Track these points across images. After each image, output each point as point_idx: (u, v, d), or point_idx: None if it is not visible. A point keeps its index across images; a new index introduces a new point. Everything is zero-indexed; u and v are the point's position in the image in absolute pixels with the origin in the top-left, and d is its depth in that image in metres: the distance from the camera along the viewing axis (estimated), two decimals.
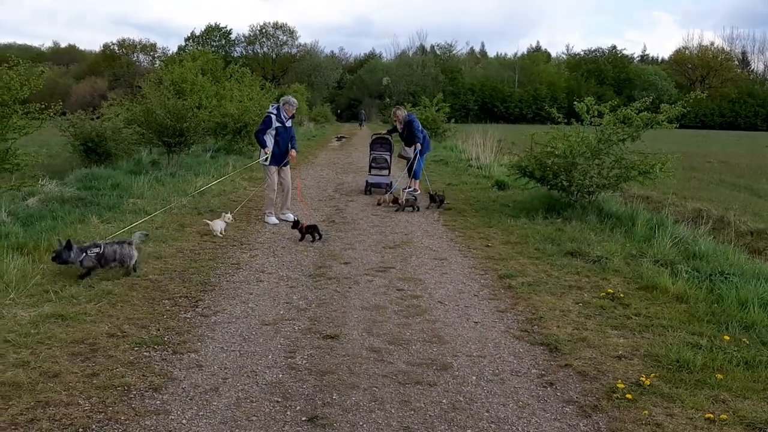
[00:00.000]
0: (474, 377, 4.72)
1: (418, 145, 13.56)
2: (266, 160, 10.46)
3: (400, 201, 11.88)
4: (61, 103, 10.21)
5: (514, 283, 7.07)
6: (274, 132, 10.36)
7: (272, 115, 10.36)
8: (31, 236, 8.08)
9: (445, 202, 12.06)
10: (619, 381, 4.61)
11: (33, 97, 9.30)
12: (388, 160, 14.32)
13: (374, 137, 14.86)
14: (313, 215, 11.13)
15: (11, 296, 6.03)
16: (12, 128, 8.78)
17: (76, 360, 4.81)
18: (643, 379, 4.61)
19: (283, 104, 10.46)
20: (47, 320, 5.53)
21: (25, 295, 6.12)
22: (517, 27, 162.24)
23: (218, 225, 9.27)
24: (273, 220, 10.50)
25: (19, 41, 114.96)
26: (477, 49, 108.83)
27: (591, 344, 5.36)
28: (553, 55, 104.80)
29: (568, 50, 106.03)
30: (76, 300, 6.08)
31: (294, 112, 10.61)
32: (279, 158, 10.57)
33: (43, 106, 9.27)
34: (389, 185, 13.56)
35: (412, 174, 13.90)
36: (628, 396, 4.38)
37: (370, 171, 14.49)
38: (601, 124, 10.81)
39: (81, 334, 5.27)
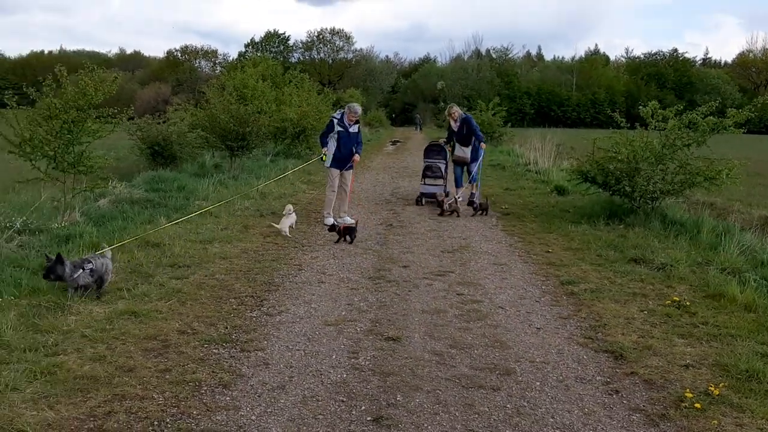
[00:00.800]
0: (538, 383, 4.70)
1: (483, 145, 12.78)
2: (322, 159, 10.85)
3: (444, 206, 11.59)
4: (132, 108, 10.60)
5: (576, 290, 6.99)
6: (336, 136, 10.60)
7: (335, 120, 10.70)
8: (104, 236, 8.40)
9: (488, 210, 11.80)
10: (687, 390, 4.53)
11: (102, 102, 9.67)
12: (443, 169, 13.41)
13: (429, 144, 14.21)
14: (370, 218, 11.24)
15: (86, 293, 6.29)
16: (87, 132, 9.16)
17: (149, 355, 4.99)
18: (712, 388, 4.52)
19: (347, 110, 10.73)
20: (121, 317, 5.76)
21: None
22: (575, 30, 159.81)
23: (285, 224, 9.59)
24: (329, 221, 10.63)
25: (88, 48, 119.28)
26: (533, 52, 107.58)
27: (657, 352, 5.27)
28: (612, 58, 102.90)
29: (627, 53, 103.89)
30: (147, 298, 6.31)
31: (356, 118, 10.76)
32: (340, 162, 10.76)
33: (116, 110, 9.64)
34: (447, 193, 12.73)
35: (471, 177, 13.06)
36: (697, 405, 4.29)
37: (423, 180, 13.59)
38: (665, 128, 10.58)
39: (153, 331, 5.47)
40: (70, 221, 9.12)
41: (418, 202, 13.21)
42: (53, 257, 5.99)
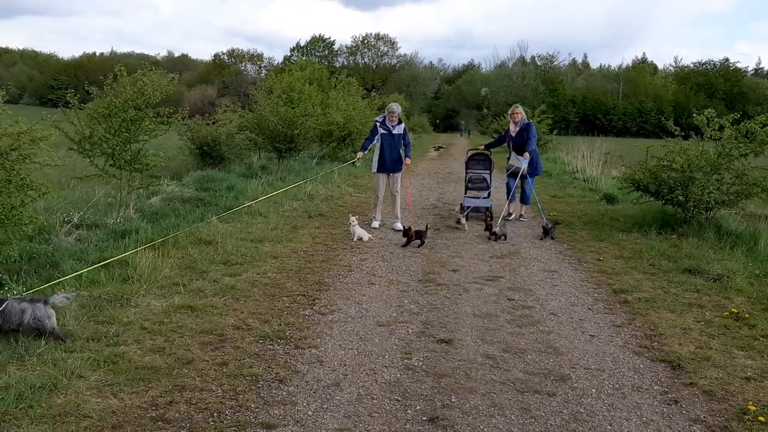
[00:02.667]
0: (594, 390, 4.64)
1: (527, 155, 11.15)
2: (354, 164, 10.90)
3: (494, 230, 10.02)
4: (187, 108, 10.81)
5: (630, 299, 6.88)
6: (380, 140, 10.54)
7: (377, 123, 10.62)
8: (158, 232, 8.58)
9: (554, 232, 10.23)
10: (750, 403, 4.42)
11: (153, 104, 9.86)
12: (488, 180, 12.12)
13: (471, 153, 12.73)
14: (417, 223, 11.24)
15: (144, 287, 6.44)
16: (143, 131, 9.37)
17: (206, 349, 5.09)
18: None
19: (387, 112, 10.58)
20: (178, 311, 5.88)
21: (156, 287, 6.53)
22: (622, 38, 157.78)
23: (361, 233, 9.67)
24: (374, 224, 10.67)
25: (137, 50, 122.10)
26: (579, 60, 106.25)
27: (716, 364, 5.15)
28: (660, 67, 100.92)
29: (676, 62, 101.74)
30: (203, 293, 6.42)
31: (397, 118, 10.52)
32: (384, 165, 10.63)
33: (172, 110, 9.85)
34: (489, 210, 11.46)
35: (521, 197, 11.88)
36: (761, 419, 4.19)
37: (465, 192, 12.37)
38: (720, 138, 10.34)
39: (209, 325, 5.57)
40: (125, 217, 9.34)
41: (464, 216, 11.36)
42: None
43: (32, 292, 5.61)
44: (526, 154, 11.17)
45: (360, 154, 10.78)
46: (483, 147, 12.58)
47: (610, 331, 5.94)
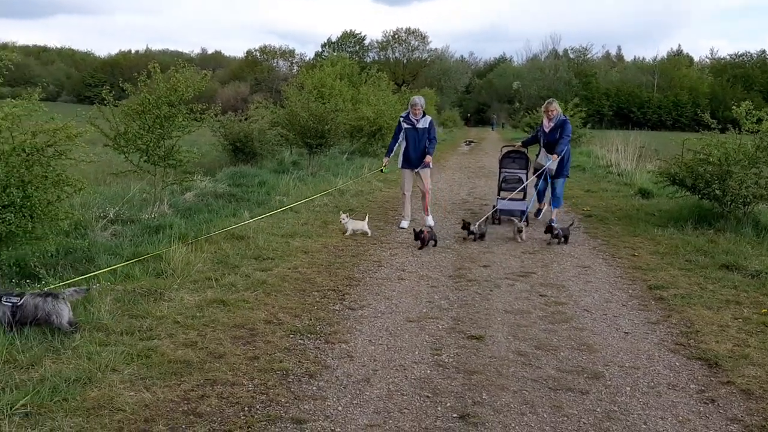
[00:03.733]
0: (628, 388, 4.57)
1: (556, 157, 10.35)
2: (382, 170, 10.62)
3: (554, 232, 9.32)
4: (220, 105, 10.90)
5: (665, 295, 6.75)
6: (404, 135, 10.10)
7: (401, 119, 10.19)
8: (191, 227, 8.68)
9: (569, 238, 9.39)
10: None
11: (186, 100, 9.96)
12: (524, 180, 11.02)
13: (505, 150, 11.73)
14: (447, 218, 11.19)
15: (177, 282, 6.52)
16: (177, 127, 9.49)
17: (238, 343, 5.13)
18: None
19: (410, 105, 10.13)
20: (210, 305, 5.94)
21: (189, 281, 6.61)
22: (657, 30, 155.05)
23: (356, 225, 9.55)
24: (402, 224, 10.29)
25: (171, 48, 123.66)
26: (613, 52, 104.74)
27: (755, 362, 5.02)
28: (696, 59, 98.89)
29: (712, 54, 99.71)
30: (234, 288, 6.48)
31: (420, 110, 10.00)
32: (409, 161, 10.14)
33: (205, 107, 9.95)
34: (524, 213, 10.34)
35: (551, 199, 11.05)
36: None
37: (499, 194, 11.36)
38: (759, 131, 10.08)
39: (241, 320, 5.62)
40: (159, 213, 9.46)
41: (494, 220, 10.75)
42: None
43: (65, 285, 5.71)
44: (555, 156, 10.39)
45: (386, 160, 10.33)
46: (519, 144, 11.62)
47: (645, 328, 5.84)
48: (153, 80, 9.56)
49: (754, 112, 10.12)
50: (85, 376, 4.33)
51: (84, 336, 5.00)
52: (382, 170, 10.62)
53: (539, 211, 11.28)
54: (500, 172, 11.37)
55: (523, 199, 10.96)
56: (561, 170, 10.65)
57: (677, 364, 5.03)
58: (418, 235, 8.86)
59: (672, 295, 6.72)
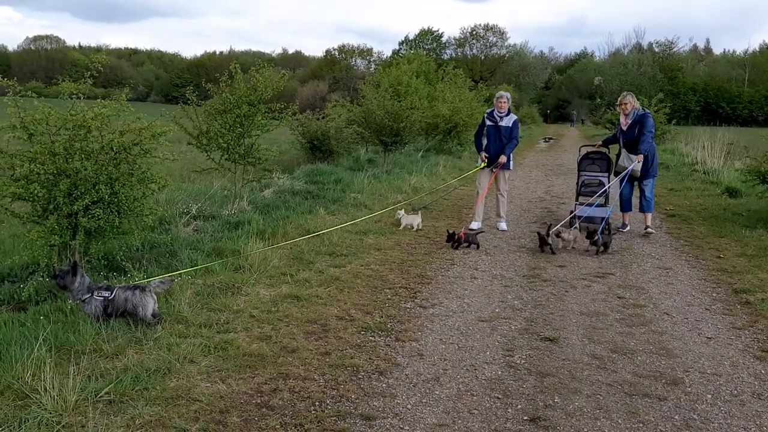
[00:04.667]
0: (709, 396, 4.38)
1: (640, 157, 9.35)
2: (481, 166, 9.90)
3: (594, 238, 8.43)
4: (297, 104, 11.12)
5: (752, 299, 6.43)
6: (486, 132, 9.83)
7: (485, 115, 9.91)
8: (269, 224, 8.90)
9: (609, 246, 8.54)
10: None
11: (265, 99, 10.20)
12: (605, 184, 9.93)
13: (584, 151, 10.67)
14: (523, 216, 11.01)
15: (254, 277, 6.70)
16: (256, 126, 9.74)
17: (310, 338, 5.22)
18: None
19: (495, 99, 9.81)
20: (284, 300, 6.07)
21: (265, 276, 6.78)
22: (748, 21, 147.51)
23: (411, 220, 9.69)
24: (472, 225, 9.88)
25: (254, 48, 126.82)
26: (701, 45, 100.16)
27: None
28: None
29: None
30: (308, 283, 6.60)
31: (506, 106, 9.67)
32: (489, 160, 9.80)
33: (283, 106, 10.17)
34: (606, 220, 9.04)
35: (639, 204, 9.82)
36: None
37: (577, 199, 10.19)
38: None
39: (314, 315, 5.72)
40: (239, 209, 9.74)
41: (572, 225, 9.40)
42: (71, 263, 5.32)
43: (162, 278, 5.95)
44: (639, 157, 9.38)
45: (483, 155, 9.79)
46: (600, 144, 10.48)
47: (730, 333, 5.58)
48: (234, 80, 9.84)
49: None
50: (165, 367, 4.51)
51: (165, 328, 5.20)
52: (481, 166, 9.92)
53: (624, 225, 9.98)
54: (579, 175, 10.31)
55: (605, 204, 9.82)
56: (647, 171, 9.55)
57: (763, 372, 4.78)
58: (450, 237, 8.59)
59: (759, 300, 6.40)
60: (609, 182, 9.95)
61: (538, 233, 8.71)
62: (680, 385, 4.53)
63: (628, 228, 9.88)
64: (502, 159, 9.61)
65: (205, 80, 10.29)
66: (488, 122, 9.75)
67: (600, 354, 5.08)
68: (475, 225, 9.88)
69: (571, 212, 9.89)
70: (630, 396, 4.36)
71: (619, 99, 9.85)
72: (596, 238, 8.38)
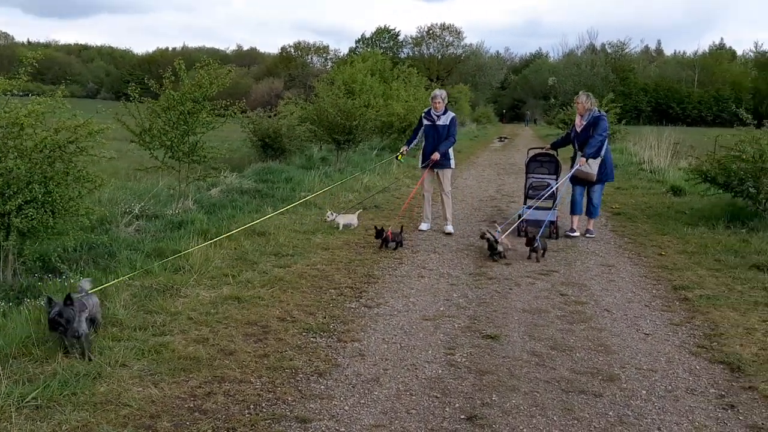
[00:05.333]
0: (644, 392, 4.43)
1: (583, 160, 9.09)
2: (398, 158, 10.13)
3: (534, 245, 8.07)
4: (244, 101, 10.95)
5: (690, 296, 6.56)
6: (424, 131, 9.50)
7: (423, 114, 9.58)
8: (213, 223, 8.74)
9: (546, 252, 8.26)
10: None
11: (217, 96, 10.04)
12: (554, 188, 9.61)
13: (532, 153, 10.23)
14: (474, 214, 11.06)
15: (195, 278, 6.55)
16: (201, 123, 9.57)
17: (249, 340, 5.12)
18: None
19: (430, 99, 9.46)
20: (225, 301, 5.95)
21: (206, 277, 6.64)
22: (698, 24, 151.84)
23: (345, 219, 9.50)
24: (422, 226, 9.70)
25: (208, 44, 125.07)
26: (652, 47, 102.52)
27: None
28: (739, 53, 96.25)
29: (756, 48, 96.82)
30: (251, 284, 6.48)
31: (442, 105, 9.29)
32: (427, 160, 9.45)
33: (228, 103, 10.00)
34: (554, 224, 9.35)
35: (586, 207, 9.63)
36: None
37: (525, 202, 9.83)
38: None
39: (255, 317, 5.61)
40: (183, 208, 9.54)
41: (520, 231, 9.23)
42: (58, 300, 4.52)
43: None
44: (582, 160, 9.10)
45: (404, 149, 9.68)
46: (548, 146, 10.10)
47: (667, 329, 5.67)
48: (178, 77, 9.65)
49: None
50: (95, 371, 4.36)
51: (98, 332, 5.03)
52: (397, 158, 10.17)
53: (572, 229, 9.61)
54: (526, 178, 9.94)
55: (552, 207, 9.53)
56: (601, 175, 9.25)
57: (698, 367, 4.87)
58: (379, 234, 8.41)
59: (697, 296, 6.53)
60: (557, 184, 9.65)
61: (487, 240, 8.17)
62: (616, 382, 4.58)
63: (576, 233, 9.52)
64: (435, 156, 9.21)
65: (148, 77, 10.06)
66: (426, 122, 9.44)
67: (539, 351, 5.10)
68: (424, 226, 9.73)
69: (519, 215, 9.70)
70: (566, 393, 4.38)
71: (575, 99, 9.63)
72: (535, 244, 8.04)
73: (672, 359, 5.01)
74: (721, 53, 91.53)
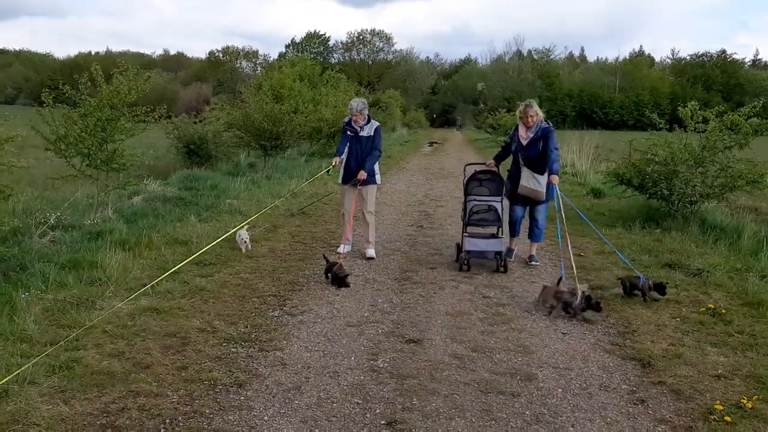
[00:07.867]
0: (560, 390, 4.55)
1: (555, 178, 7.89)
2: (328, 172, 9.16)
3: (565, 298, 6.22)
4: (165, 107, 10.70)
5: (606, 295, 6.79)
6: (347, 144, 8.41)
7: (344, 125, 8.57)
8: (134, 233, 8.48)
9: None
10: (718, 402, 4.32)
11: (142, 101, 9.76)
12: (498, 210, 8.06)
13: (471, 170, 8.63)
14: (401, 219, 11.12)
15: (111, 289, 6.34)
16: (120, 130, 9.28)
17: (167, 353, 4.99)
18: (745, 401, 4.30)
19: (348, 110, 8.45)
20: (143, 313, 5.78)
21: (124, 289, 6.43)
22: (619, 31, 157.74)
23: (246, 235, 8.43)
24: (340, 248, 8.52)
25: (133, 49, 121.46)
26: (576, 53, 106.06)
27: (687, 361, 5.06)
28: (657, 60, 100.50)
29: (673, 55, 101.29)
30: (171, 295, 6.33)
31: (363, 117, 8.29)
32: (350, 175, 8.37)
33: (149, 109, 9.74)
34: (501, 255, 7.92)
35: (530, 230, 8.45)
36: (727, 419, 4.09)
37: (465, 230, 8.16)
38: (705, 130, 10.23)
39: (174, 328, 5.47)
40: (102, 218, 9.23)
41: (462, 265, 7.89)
42: None
43: None
44: (555, 178, 7.88)
45: (336, 160, 8.38)
46: (492, 161, 8.53)
47: (583, 329, 5.85)
48: (97, 83, 9.35)
49: (698, 112, 10.26)
50: (2, 390, 4.15)
51: (6, 347, 4.81)
52: (328, 171, 9.39)
53: (510, 251, 8.53)
54: (466, 201, 8.22)
55: (498, 235, 8.17)
56: (548, 193, 8.09)
57: (611, 364, 5.04)
58: (328, 269, 7.19)
59: (612, 295, 6.76)
60: (503, 207, 8.16)
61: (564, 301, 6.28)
62: (534, 381, 4.69)
63: (514, 253, 8.60)
64: (362, 175, 8.17)
65: (62, 83, 9.69)
66: (348, 133, 8.39)
67: (461, 353, 5.17)
68: (342, 249, 8.52)
69: (458, 245, 8.26)
70: (485, 394, 4.46)
71: (521, 108, 8.25)
72: (575, 302, 6.13)
73: (587, 357, 5.17)
74: (640, 60, 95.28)
